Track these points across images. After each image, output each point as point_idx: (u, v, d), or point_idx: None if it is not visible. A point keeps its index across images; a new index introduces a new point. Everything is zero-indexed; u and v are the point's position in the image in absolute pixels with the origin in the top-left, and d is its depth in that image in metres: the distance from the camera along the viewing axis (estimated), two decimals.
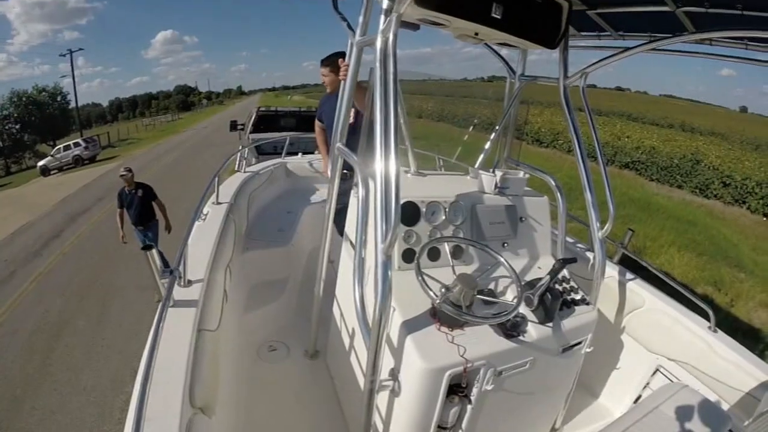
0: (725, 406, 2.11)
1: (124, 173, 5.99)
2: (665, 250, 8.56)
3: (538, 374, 1.85)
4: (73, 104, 41.59)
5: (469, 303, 1.56)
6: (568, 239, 2.86)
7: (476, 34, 1.98)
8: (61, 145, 25.65)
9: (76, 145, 24.98)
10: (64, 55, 40.66)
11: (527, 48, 2.45)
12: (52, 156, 24.74)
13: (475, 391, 1.64)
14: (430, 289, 1.53)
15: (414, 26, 1.93)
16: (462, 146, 3.01)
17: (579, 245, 2.92)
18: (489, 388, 1.64)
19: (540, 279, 1.80)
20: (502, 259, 1.84)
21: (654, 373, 2.45)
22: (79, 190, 15.16)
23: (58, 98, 39.63)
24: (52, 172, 23.66)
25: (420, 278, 1.55)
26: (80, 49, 48.63)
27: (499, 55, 2.68)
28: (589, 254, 2.31)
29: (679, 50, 2.19)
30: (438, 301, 1.51)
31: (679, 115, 33.86)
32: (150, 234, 6.13)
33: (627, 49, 2.15)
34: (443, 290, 1.57)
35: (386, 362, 1.59)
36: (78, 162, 24.12)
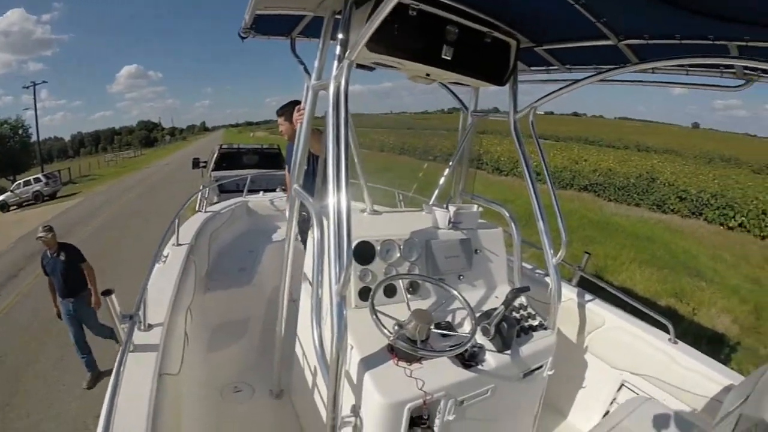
0: (691, 413, 2.18)
1: (42, 234, 4.75)
2: (626, 267, 8.79)
3: (500, 400, 1.88)
4: (34, 138, 40.37)
5: (425, 337, 1.59)
6: (528, 265, 2.96)
7: (428, 74, 2.06)
8: (21, 180, 24.81)
9: (37, 180, 24.18)
10: (27, 87, 39.51)
11: (477, 86, 2.55)
12: (11, 191, 23.82)
13: (437, 422, 1.66)
14: (384, 327, 1.56)
15: (369, 67, 2.02)
16: (421, 180, 3.09)
17: (537, 271, 3.01)
18: (451, 418, 1.66)
19: (496, 308, 1.86)
20: (455, 292, 1.88)
21: (620, 388, 2.53)
22: (39, 228, 14.56)
23: (20, 131, 38.47)
24: (11, 208, 22.71)
25: (374, 316, 1.58)
26: (44, 81, 47.67)
27: (452, 92, 2.77)
28: (548, 279, 2.41)
29: (625, 80, 2.31)
30: (392, 337, 1.55)
31: (634, 136, 35.48)
32: (79, 309, 4.84)
33: (574, 81, 2.24)
34: (396, 327, 1.61)
35: (348, 399, 1.61)
36: (38, 198, 23.30)
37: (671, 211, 14.55)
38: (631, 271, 8.56)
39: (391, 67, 1.97)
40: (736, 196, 13.83)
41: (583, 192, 17.06)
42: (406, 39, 1.76)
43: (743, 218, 13.01)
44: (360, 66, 1.96)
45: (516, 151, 2.39)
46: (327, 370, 1.45)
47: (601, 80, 2.15)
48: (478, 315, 1.89)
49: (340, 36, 1.70)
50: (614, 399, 2.54)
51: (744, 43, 1.60)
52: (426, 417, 1.63)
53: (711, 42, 1.68)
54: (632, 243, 10.53)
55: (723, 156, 30.07)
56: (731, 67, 1.87)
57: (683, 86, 2.13)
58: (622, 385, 2.52)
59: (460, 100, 2.79)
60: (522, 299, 2.25)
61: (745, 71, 1.85)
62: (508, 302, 1.82)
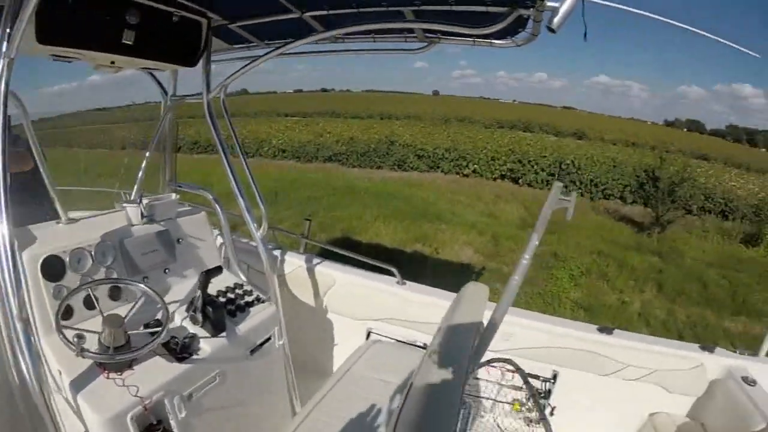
0: (423, 340, 2.54)
1: None
2: (372, 224, 9.55)
3: (237, 382, 1.91)
4: None
5: (123, 341, 1.52)
6: (252, 243, 3.07)
7: (113, 62, 1.90)
8: None
9: None
10: None
11: (167, 69, 2.43)
12: None
13: (172, 422, 1.61)
14: (71, 343, 1.46)
15: (67, 60, 1.79)
16: (126, 176, 2.81)
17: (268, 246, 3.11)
18: (183, 414, 1.63)
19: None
20: (142, 286, 1.81)
21: (368, 336, 2.79)
22: None
23: None
24: None
25: (60, 335, 1.47)
26: None
27: (153, 76, 2.59)
28: (277, 252, 2.47)
29: (314, 50, 2.41)
30: (76, 351, 1.44)
31: (379, 107, 38.91)
32: None
33: (257, 57, 2.28)
34: (75, 338, 1.52)
35: (78, 428, 1.48)
36: None
37: (411, 169, 16.73)
38: (377, 227, 9.34)
39: (73, 58, 1.77)
40: (468, 149, 16.73)
41: (328, 162, 17.89)
42: (79, 26, 1.61)
43: (475, 165, 15.85)
44: (57, 58, 1.75)
45: (210, 131, 2.36)
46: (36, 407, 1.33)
47: (283, 53, 2.21)
48: (186, 305, 1.87)
49: (7, 30, 1.44)
50: (368, 348, 2.78)
51: (417, 8, 1.75)
52: (156, 422, 1.58)
53: (386, 8, 1.81)
54: (376, 202, 11.47)
55: (459, 117, 34.90)
56: (412, 31, 2.02)
57: (372, 52, 2.30)
58: (369, 332, 2.80)
59: (160, 84, 2.61)
60: (241, 277, 2.29)
61: (426, 34, 2.01)
62: (203, 286, 1.80)
